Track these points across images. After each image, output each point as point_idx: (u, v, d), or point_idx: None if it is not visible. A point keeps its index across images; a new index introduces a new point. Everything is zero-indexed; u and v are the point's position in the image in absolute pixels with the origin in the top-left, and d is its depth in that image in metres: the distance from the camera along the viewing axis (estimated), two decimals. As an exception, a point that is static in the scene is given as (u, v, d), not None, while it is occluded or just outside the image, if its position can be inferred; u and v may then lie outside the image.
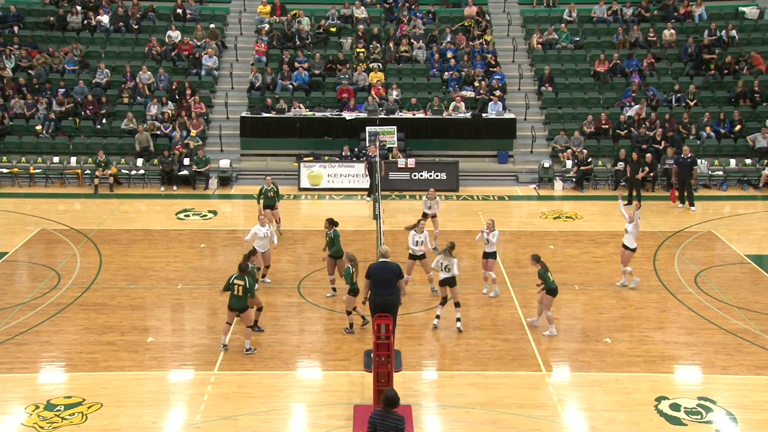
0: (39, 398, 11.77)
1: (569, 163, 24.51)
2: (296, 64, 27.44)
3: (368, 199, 22.66)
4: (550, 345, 13.71)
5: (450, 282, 13.85)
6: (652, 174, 23.43)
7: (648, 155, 23.23)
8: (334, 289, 15.44)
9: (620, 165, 23.66)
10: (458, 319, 14.04)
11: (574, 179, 24.19)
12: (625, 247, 15.70)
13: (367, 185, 23.06)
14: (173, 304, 15.49)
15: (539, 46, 28.87)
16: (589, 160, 24.14)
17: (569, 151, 24.75)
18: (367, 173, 22.92)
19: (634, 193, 22.05)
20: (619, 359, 13.22)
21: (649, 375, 12.73)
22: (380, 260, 11.95)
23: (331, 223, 15.30)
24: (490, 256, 15.43)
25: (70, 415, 11.32)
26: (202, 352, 13.36)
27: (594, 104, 26.85)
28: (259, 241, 15.67)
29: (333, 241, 15.15)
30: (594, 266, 17.56)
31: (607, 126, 25.57)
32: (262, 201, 18.31)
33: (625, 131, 25.26)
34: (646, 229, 20.21)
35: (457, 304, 14.04)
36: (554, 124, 26.15)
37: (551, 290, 13.76)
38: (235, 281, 12.94)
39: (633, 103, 26.17)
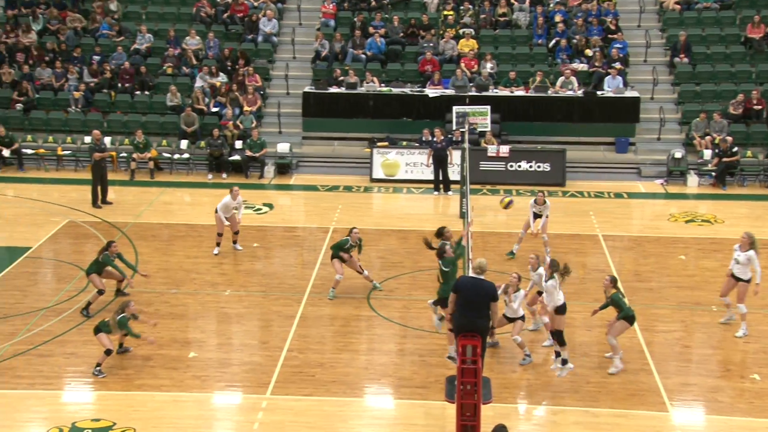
0: (63, 420, 12.17)
1: (708, 154, 23.89)
2: (371, 30, 27.58)
3: (435, 194, 22.82)
4: (679, 379, 13.39)
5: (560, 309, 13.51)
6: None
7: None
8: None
9: (775, 156, 22.92)
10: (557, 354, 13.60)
11: (714, 173, 23.59)
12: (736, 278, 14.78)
13: (431, 177, 23.08)
14: (219, 313, 15.81)
15: (676, 6, 28.19)
16: (735, 149, 23.47)
17: (708, 138, 24.11)
18: (430, 164, 22.89)
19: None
20: (770, 401, 12.82)
21: (808, 422, 12.29)
22: (472, 276, 11.83)
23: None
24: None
25: (98, 440, 11.71)
26: (253, 372, 13.56)
27: (744, 79, 26.09)
28: (224, 209, 17.98)
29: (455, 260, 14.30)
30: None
31: (760, 107, 24.84)
32: (340, 254, 16.26)
33: (784, 113, 24.49)
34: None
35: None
36: (690, 105, 25.53)
37: (629, 317, 13.42)
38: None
39: (794, 78, 25.35)
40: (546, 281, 13.35)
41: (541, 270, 14.23)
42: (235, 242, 18.46)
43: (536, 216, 17.95)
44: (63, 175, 24.59)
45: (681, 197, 22.90)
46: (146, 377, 13.35)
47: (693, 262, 18.25)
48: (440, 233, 15.12)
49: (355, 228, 16.31)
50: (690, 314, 15.73)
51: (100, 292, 15.47)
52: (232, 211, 18.13)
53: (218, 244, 18.25)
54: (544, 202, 17.83)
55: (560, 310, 13.21)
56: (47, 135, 25.61)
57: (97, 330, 13.46)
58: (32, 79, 26.69)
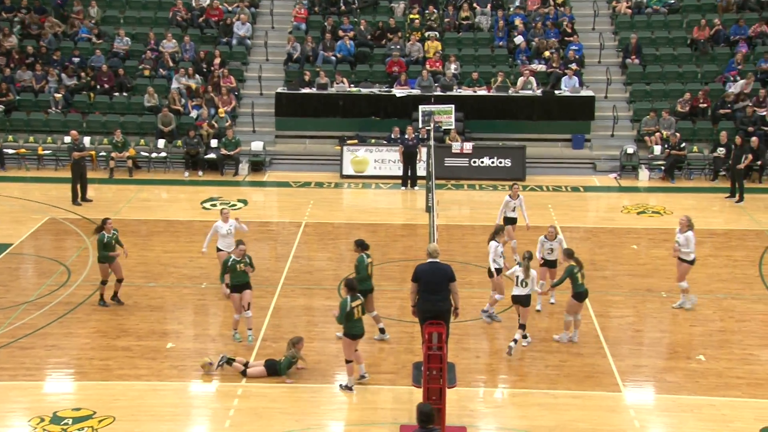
0: (44, 410, 12.00)
1: (657, 149, 24.07)
2: (340, 33, 27.46)
3: (403, 189, 22.75)
4: (631, 361, 13.47)
5: (524, 300, 13.40)
6: (759, 162, 22.84)
7: (754, 139, 22.64)
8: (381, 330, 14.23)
9: (720, 151, 23.11)
10: (515, 340, 13.54)
11: (663, 167, 23.75)
12: (680, 260, 15.10)
13: (399, 173, 23.03)
14: (196, 305, 15.67)
15: (628, 10, 28.36)
16: (683, 145, 23.66)
17: (658, 134, 24.29)
18: (401, 159, 22.85)
19: (736, 186, 21.57)
20: (715, 381, 12.93)
21: (752, 401, 12.39)
22: (429, 261, 11.85)
23: (360, 245, 13.94)
24: (551, 265, 15.18)
25: (78, 429, 11.51)
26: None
27: (690, 79, 26.30)
28: (222, 240, 15.39)
29: (356, 269, 13.89)
30: (686, 270, 17.18)
31: (705, 105, 25.03)
32: (228, 277, 13.93)
33: (728, 111, 24.64)
34: (752, 227, 19.76)
35: (522, 326, 13.56)
36: (641, 103, 25.70)
37: (578, 294, 13.65)
38: (354, 304, 12.28)
39: (738, 78, 25.52)
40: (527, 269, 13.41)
41: (561, 237, 15.12)
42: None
43: (508, 221, 16.91)
44: (43, 174, 24.25)
45: (633, 190, 23.07)
46: (126, 367, 13.20)
47: (644, 251, 18.39)
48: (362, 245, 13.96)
49: (240, 245, 13.99)
50: (642, 300, 15.85)
51: (104, 282, 15.22)
52: (231, 240, 15.24)
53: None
54: (518, 196, 17.00)
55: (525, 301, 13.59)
56: (28, 135, 25.22)
57: None
58: (13, 81, 26.27)
